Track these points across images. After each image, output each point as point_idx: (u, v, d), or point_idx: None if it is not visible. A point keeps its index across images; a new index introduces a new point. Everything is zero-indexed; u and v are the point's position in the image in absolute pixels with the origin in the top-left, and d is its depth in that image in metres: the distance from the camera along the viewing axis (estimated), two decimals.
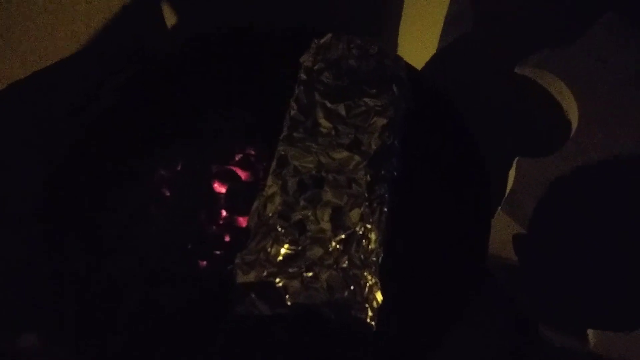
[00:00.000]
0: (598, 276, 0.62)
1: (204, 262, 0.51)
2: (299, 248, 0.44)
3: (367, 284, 0.43)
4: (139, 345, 0.47)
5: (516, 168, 0.65)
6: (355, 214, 0.45)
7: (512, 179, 0.65)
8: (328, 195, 0.46)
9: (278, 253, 0.44)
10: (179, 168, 0.56)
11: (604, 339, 0.62)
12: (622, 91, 0.65)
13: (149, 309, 0.48)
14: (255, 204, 0.48)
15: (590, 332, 0.62)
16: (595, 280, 0.62)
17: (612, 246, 0.62)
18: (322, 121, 0.51)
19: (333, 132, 0.50)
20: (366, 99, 0.51)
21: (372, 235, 0.45)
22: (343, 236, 0.44)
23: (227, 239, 0.53)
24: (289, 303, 0.42)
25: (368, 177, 0.47)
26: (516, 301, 0.65)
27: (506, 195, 0.65)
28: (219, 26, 0.63)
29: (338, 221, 0.45)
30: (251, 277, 0.43)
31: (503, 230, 0.66)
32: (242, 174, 0.56)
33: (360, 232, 0.45)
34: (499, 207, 0.65)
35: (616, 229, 0.62)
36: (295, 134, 0.50)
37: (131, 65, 0.61)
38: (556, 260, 0.63)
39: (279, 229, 0.45)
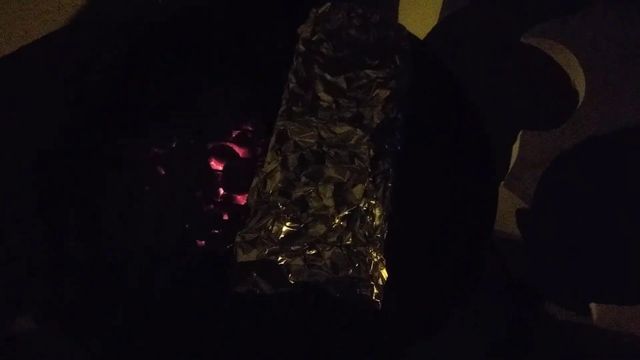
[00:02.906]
0: (601, 250, 0.61)
1: (202, 242, 0.50)
2: (301, 225, 0.43)
3: (372, 261, 0.42)
4: (138, 328, 0.46)
5: (520, 142, 0.64)
6: (358, 189, 0.44)
7: (516, 153, 0.64)
8: (330, 171, 0.45)
9: (280, 231, 0.43)
10: (173, 145, 0.54)
11: (607, 312, 0.62)
12: (624, 65, 0.63)
13: (148, 292, 0.47)
14: (255, 181, 0.47)
15: (593, 305, 0.62)
16: (598, 255, 0.62)
17: (615, 221, 0.61)
18: (322, 94, 0.49)
19: (334, 106, 0.48)
20: (368, 71, 0.50)
21: (377, 212, 0.44)
22: (346, 213, 0.43)
23: (225, 217, 0.51)
24: (291, 282, 0.41)
25: (371, 152, 0.46)
26: (519, 275, 0.65)
27: (509, 170, 0.65)
28: None
29: (341, 197, 0.44)
30: (252, 255, 0.42)
31: (506, 205, 0.65)
32: (240, 151, 0.54)
33: (364, 209, 0.43)
34: (502, 182, 0.64)
35: (619, 203, 0.61)
36: (294, 108, 0.48)
37: (122, 38, 0.58)
38: (559, 234, 0.63)
39: (280, 207, 0.43)
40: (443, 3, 0.75)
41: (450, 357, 0.61)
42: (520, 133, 0.64)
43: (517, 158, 0.64)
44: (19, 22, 0.54)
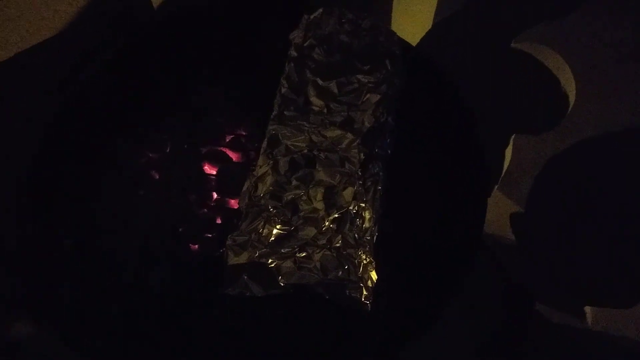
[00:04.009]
0: (595, 253, 0.61)
1: (196, 245, 0.50)
2: (292, 228, 0.43)
3: (362, 263, 0.42)
4: (132, 330, 0.46)
5: (513, 146, 0.65)
6: (348, 192, 0.44)
7: (509, 157, 0.65)
8: (320, 174, 0.45)
9: (270, 234, 0.43)
10: (167, 150, 0.55)
11: (602, 316, 0.62)
12: (618, 68, 0.64)
13: (141, 295, 0.47)
14: (246, 185, 0.47)
15: (588, 309, 0.62)
16: (593, 258, 0.61)
17: (609, 223, 0.61)
18: (314, 99, 0.49)
19: (325, 110, 0.49)
20: (359, 76, 0.50)
21: (366, 214, 0.44)
22: (336, 215, 0.44)
23: (218, 221, 0.52)
24: (282, 284, 0.42)
25: (361, 156, 0.46)
26: (513, 278, 0.65)
27: (503, 174, 0.65)
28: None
29: (331, 200, 0.44)
30: (243, 258, 0.43)
31: (500, 209, 0.65)
32: (233, 155, 0.55)
33: (354, 211, 0.44)
34: (496, 186, 0.64)
35: (613, 206, 0.61)
36: (286, 113, 0.49)
37: (117, 40, 0.59)
38: (553, 238, 0.63)
39: (271, 209, 0.44)
40: (436, 8, 0.76)
41: (445, 356, 0.61)
42: (514, 137, 0.65)
43: (510, 162, 0.65)
44: (15, 28, 0.55)
